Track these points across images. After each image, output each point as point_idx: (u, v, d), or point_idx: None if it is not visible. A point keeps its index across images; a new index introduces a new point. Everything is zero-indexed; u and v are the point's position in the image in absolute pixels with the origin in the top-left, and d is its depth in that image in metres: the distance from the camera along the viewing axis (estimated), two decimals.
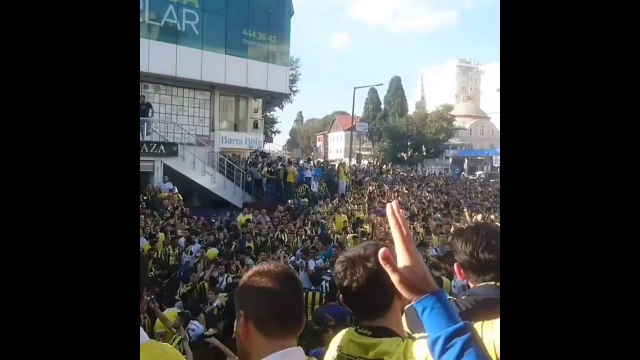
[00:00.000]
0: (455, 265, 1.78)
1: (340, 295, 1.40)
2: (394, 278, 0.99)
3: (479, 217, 4.71)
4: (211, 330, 5.39)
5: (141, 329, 1.25)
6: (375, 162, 35.45)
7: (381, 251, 0.99)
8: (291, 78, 31.38)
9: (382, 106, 57.73)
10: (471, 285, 1.70)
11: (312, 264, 8.56)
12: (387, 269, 0.99)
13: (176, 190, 14.85)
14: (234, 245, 10.10)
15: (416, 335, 1.28)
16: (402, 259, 1.00)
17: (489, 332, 1.30)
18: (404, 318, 1.47)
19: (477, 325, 1.24)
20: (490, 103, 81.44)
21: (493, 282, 1.61)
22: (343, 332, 1.42)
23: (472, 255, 1.65)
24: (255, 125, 21.98)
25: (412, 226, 12.09)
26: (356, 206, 15.65)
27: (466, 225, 1.92)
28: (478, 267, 1.65)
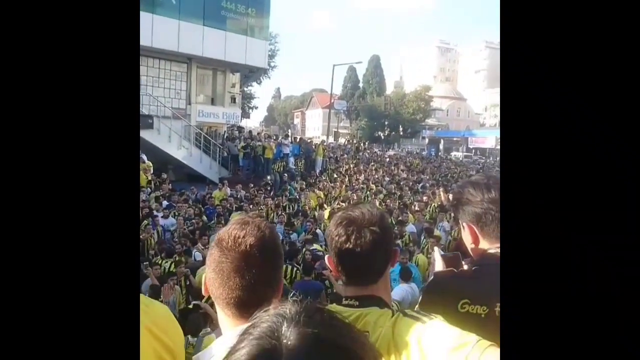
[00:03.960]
0: (464, 226, 1.51)
1: (333, 258, 1.32)
2: None
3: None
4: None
5: None
6: (352, 141, 35.50)
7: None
8: (270, 53, 30.93)
9: (361, 85, 57.54)
10: (479, 251, 1.47)
11: (286, 238, 8.64)
12: None
13: (146, 160, 14.47)
14: (209, 219, 10.07)
15: (408, 310, 1.24)
16: None
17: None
18: None
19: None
20: (468, 85, 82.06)
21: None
22: None
23: (489, 202, 1.43)
24: (233, 100, 21.69)
25: (386, 204, 12.22)
26: (332, 183, 15.73)
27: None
28: (492, 220, 1.42)
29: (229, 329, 1.11)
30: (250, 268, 1.08)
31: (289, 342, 0.57)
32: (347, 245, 1.26)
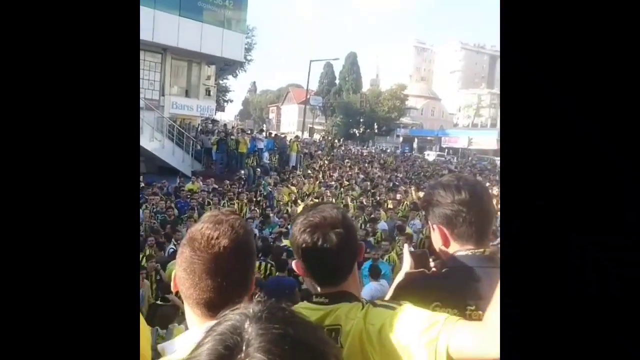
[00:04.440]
0: (434, 228, 1.51)
1: (300, 263, 1.33)
2: None
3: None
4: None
5: None
6: (327, 137, 35.53)
7: None
8: (246, 47, 30.66)
9: (337, 81, 57.71)
10: (448, 253, 1.47)
11: (258, 233, 8.63)
12: None
13: None
14: (180, 212, 9.95)
15: (378, 301, 1.27)
16: None
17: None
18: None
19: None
20: (443, 85, 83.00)
21: (475, 250, 1.42)
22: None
23: (460, 204, 1.43)
24: (208, 93, 21.42)
25: (360, 201, 12.30)
26: (306, 179, 15.73)
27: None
28: (463, 222, 1.42)
29: (197, 325, 1.09)
30: (222, 270, 1.06)
31: (251, 338, 0.58)
32: (314, 251, 1.27)
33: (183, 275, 1.07)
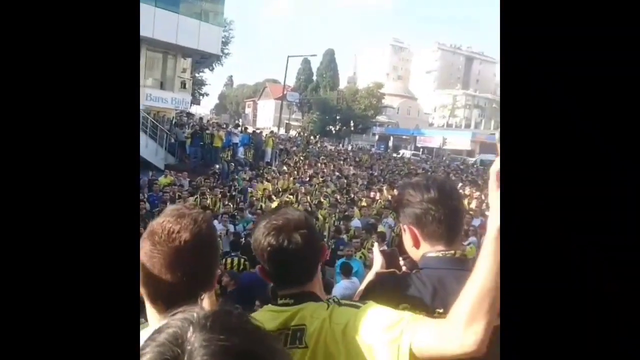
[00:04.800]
0: (405, 228, 1.50)
1: (267, 268, 1.32)
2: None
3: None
4: None
5: None
6: (303, 133, 35.49)
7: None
8: (224, 40, 30.40)
9: (314, 78, 57.62)
10: (419, 254, 1.47)
11: (231, 228, 8.57)
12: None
13: None
14: (152, 207, 9.81)
15: (343, 301, 1.28)
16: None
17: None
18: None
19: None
20: (419, 84, 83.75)
21: (446, 252, 1.42)
22: (258, 314, 1.32)
23: (429, 202, 1.43)
24: (183, 85, 21.18)
25: (334, 198, 12.33)
26: (281, 175, 15.70)
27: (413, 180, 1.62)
28: (432, 221, 1.43)
29: (157, 320, 1.08)
30: (183, 265, 1.04)
31: (193, 349, 0.55)
32: (280, 253, 1.27)
33: (142, 270, 1.05)
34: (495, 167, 0.98)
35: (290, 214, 1.32)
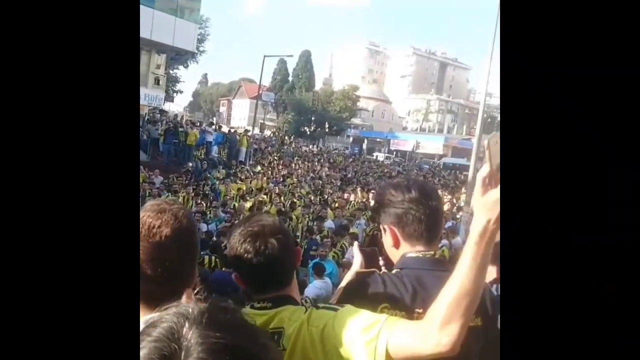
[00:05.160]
0: (385, 229, 1.51)
1: (245, 274, 1.34)
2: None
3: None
4: None
5: None
6: (278, 134, 35.39)
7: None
8: (199, 37, 30.04)
9: (290, 78, 57.60)
10: (398, 255, 1.49)
11: (203, 227, 8.48)
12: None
13: None
14: None
15: (321, 304, 1.30)
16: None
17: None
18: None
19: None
20: (393, 88, 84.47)
21: (425, 252, 1.44)
22: None
23: (410, 202, 1.45)
24: (157, 82, 20.86)
25: (308, 199, 12.34)
26: (255, 175, 15.63)
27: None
28: (413, 221, 1.44)
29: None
30: (163, 260, 1.03)
31: (190, 346, 0.55)
32: (257, 259, 1.28)
33: None
34: (483, 172, 0.99)
35: (264, 220, 1.34)
